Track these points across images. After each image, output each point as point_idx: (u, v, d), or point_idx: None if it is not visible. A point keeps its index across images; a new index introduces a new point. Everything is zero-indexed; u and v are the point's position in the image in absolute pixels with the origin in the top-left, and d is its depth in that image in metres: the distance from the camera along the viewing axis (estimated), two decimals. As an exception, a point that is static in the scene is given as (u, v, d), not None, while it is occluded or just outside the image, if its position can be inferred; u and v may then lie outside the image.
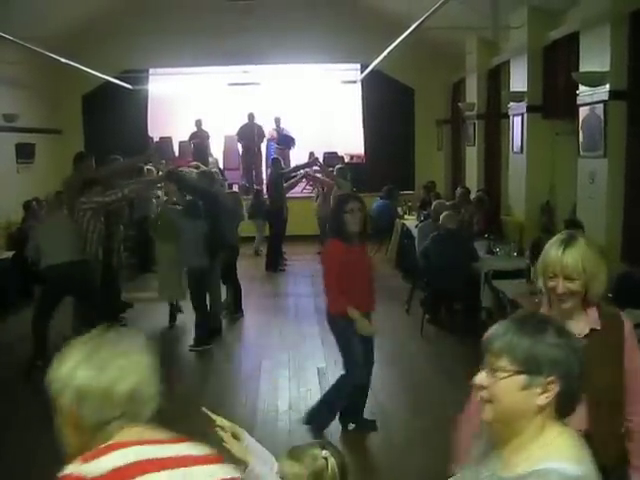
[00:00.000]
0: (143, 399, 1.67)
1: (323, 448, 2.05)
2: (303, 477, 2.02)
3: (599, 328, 2.60)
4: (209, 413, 2.23)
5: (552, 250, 2.60)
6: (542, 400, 1.66)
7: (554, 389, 1.66)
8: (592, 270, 2.56)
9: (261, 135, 16.34)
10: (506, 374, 1.67)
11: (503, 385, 1.68)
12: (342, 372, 5.30)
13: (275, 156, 13.96)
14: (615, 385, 2.59)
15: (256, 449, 2.19)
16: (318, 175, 12.90)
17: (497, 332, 1.72)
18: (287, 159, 16.02)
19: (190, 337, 7.77)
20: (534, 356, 1.67)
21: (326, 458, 2.02)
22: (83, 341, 1.70)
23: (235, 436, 2.18)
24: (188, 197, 8.22)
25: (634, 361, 2.63)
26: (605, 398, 2.55)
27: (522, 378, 1.66)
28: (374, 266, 5.51)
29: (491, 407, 1.69)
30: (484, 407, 1.71)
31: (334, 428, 5.35)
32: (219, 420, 2.20)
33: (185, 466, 1.66)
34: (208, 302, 8.12)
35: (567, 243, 2.58)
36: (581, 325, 2.59)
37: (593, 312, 2.64)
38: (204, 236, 7.57)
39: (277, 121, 16.62)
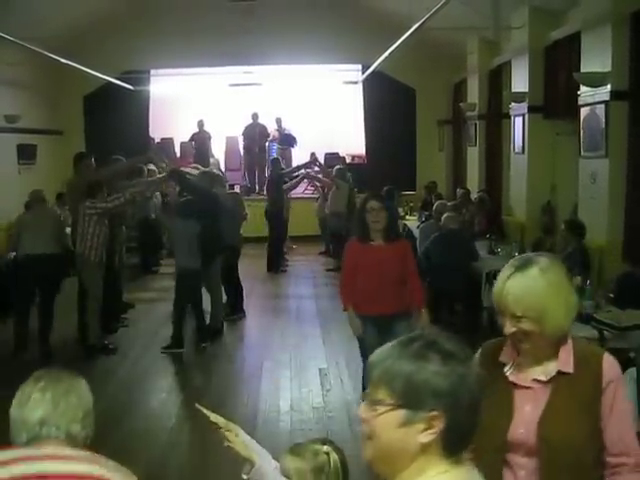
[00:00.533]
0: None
1: (324, 444, 2.05)
2: (305, 472, 2.03)
3: (570, 371, 2.11)
4: (203, 410, 2.24)
5: (498, 281, 2.15)
6: (425, 437, 1.41)
7: (439, 425, 1.42)
8: (543, 304, 2.06)
9: (263, 135, 16.35)
10: (384, 408, 1.44)
11: (381, 420, 1.45)
12: (344, 373, 5.35)
13: (275, 156, 13.97)
14: (579, 445, 2.04)
15: (254, 447, 2.21)
16: (318, 175, 12.93)
17: (377, 357, 1.50)
18: (289, 159, 16.04)
19: (190, 338, 7.78)
20: (414, 387, 1.43)
21: (328, 453, 2.02)
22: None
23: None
24: (185, 196, 8.22)
25: (615, 412, 2.08)
26: (564, 460, 2.04)
27: (401, 413, 1.42)
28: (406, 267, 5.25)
29: (370, 444, 1.47)
30: (363, 444, 1.50)
31: (337, 427, 5.36)
32: (213, 417, 2.21)
33: None
34: (209, 303, 8.16)
35: (513, 272, 2.12)
36: (550, 367, 2.13)
37: (566, 351, 2.16)
38: (196, 236, 7.52)
39: (278, 121, 16.63)
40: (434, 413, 1.41)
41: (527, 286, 2.07)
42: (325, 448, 2.02)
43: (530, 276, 2.09)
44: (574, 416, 2.07)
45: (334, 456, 2.02)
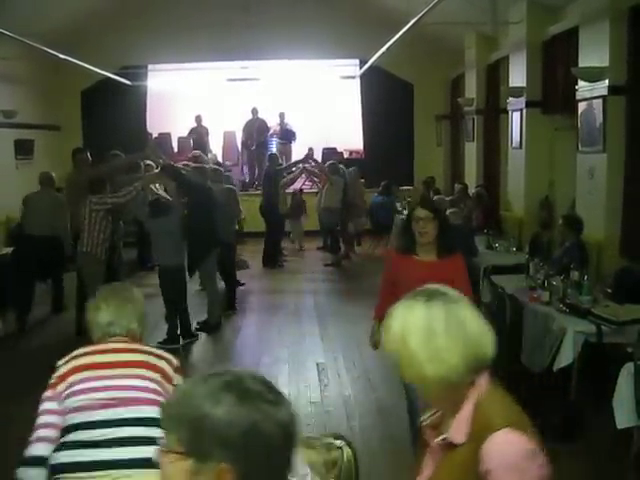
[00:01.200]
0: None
1: (337, 438, 2.05)
2: (319, 465, 2.03)
3: (459, 442, 1.78)
4: None
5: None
6: None
7: (228, 479, 1.27)
8: (397, 350, 1.81)
9: (262, 130, 16.32)
10: (172, 456, 1.30)
11: (172, 469, 1.30)
12: (342, 368, 5.30)
13: (272, 152, 13.95)
14: None
15: None
16: (315, 170, 12.97)
17: (172, 396, 1.34)
18: (289, 154, 16.03)
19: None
20: (200, 435, 1.27)
21: (341, 448, 2.02)
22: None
23: None
24: (167, 194, 8.22)
25: None
26: None
27: (189, 463, 1.28)
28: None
29: None
30: None
31: (335, 422, 5.36)
32: None
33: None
34: (208, 298, 8.17)
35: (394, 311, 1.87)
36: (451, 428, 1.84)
37: (463, 417, 1.80)
38: (175, 233, 7.48)
39: (281, 116, 16.58)
40: (222, 466, 1.26)
41: (410, 325, 1.81)
42: (339, 442, 2.02)
43: (407, 315, 1.83)
44: None
45: (347, 451, 2.01)
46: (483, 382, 1.83)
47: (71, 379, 2.66)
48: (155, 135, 16.17)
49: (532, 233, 8.68)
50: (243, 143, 16.59)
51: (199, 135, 16.03)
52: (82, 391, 2.63)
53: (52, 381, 2.71)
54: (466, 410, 1.80)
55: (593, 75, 7.44)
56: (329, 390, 6.21)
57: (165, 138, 16.27)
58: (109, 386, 2.64)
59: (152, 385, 2.67)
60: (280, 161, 13.08)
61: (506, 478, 1.69)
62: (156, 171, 9.29)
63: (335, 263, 12.11)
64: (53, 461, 2.54)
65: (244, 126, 16.32)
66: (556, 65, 9.10)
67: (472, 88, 12.26)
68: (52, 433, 2.62)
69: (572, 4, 8.49)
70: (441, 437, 1.83)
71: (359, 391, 6.21)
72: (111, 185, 7.92)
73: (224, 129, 17.09)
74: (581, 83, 7.77)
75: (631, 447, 4.34)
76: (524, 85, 9.70)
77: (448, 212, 8.28)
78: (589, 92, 7.64)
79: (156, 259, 7.92)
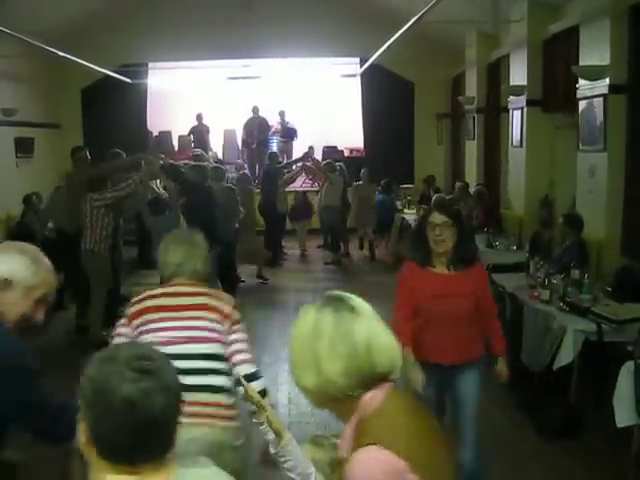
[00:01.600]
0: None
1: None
2: (324, 463, 2.02)
3: (345, 457, 1.78)
4: (245, 383, 2.37)
5: None
6: (82, 440, 1.49)
7: (85, 430, 1.48)
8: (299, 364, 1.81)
9: (263, 128, 16.32)
10: None
11: None
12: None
13: (273, 151, 13.94)
14: None
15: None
16: (314, 168, 12.97)
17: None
18: (290, 152, 16.03)
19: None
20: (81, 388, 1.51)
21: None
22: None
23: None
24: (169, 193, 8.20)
25: None
26: None
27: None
28: (481, 304, 3.91)
29: None
30: None
31: (334, 420, 5.35)
32: (250, 389, 2.32)
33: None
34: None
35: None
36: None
37: (350, 429, 1.84)
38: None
39: (282, 114, 16.59)
40: (81, 417, 1.48)
41: (299, 337, 1.82)
42: None
43: (299, 327, 1.83)
44: None
45: None
46: (370, 398, 1.77)
47: (145, 317, 3.08)
48: (155, 133, 16.18)
49: (532, 232, 8.67)
50: (244, 141, 16.61)
51: (200, 133, 16.03)
52: (153, 330, 3.04)
53: (127, 315, 3.14)
54: (351, 425, 1.78)
55: (594, 74, 7.43)
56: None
57: (165, 136, 16.27)
58: (176, 327, 3.04)
59: (211, 325, 3.08)
60: (280, 159, 13.05)
61: None
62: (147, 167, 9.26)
63: (335, 261, 12.11)
64: None
65: (244, 124, 16.34)
66: (557, 63, 9.09)
67: (473, 86, 12.25)
68: None
69: (573, 3, 8.48)
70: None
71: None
72: (112, 184, 7.92)
73: (224, 127, 17.08)
74: (582, 82, 7.76)
75: (631, 446, 4.33)
76: (525, 84, 9.69)
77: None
78: (590, 91, 7.63)
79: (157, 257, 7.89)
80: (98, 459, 1.47)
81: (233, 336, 3.14)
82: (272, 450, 2.17)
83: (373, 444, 1.66)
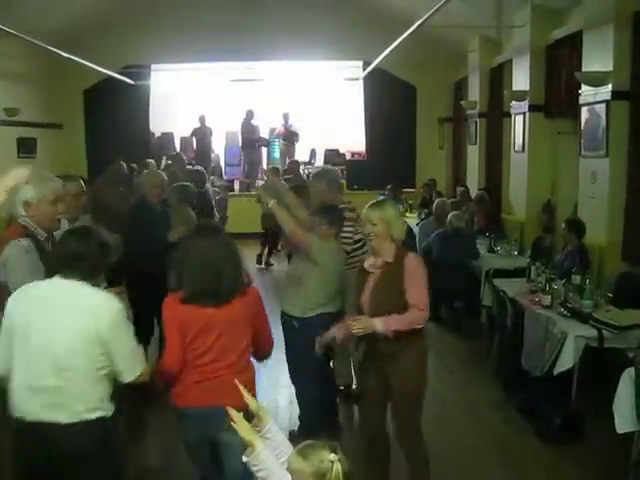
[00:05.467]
0: None
1: (333, 451, 2.03)
2: (307, 475, 2.02)
3: (391, 260, 3.92)
4: (240, 387, 2.52)
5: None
6: None
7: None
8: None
9: (258, 132, 16.44)
10: None
11: None
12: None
13: (275, 166, 13.82)
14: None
15: (276, 437, 2.43)
16: None
17: None
18: (292, 154, 16.04)
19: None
20: None
21: (333, 462, 2.01)
22: None
23: (260, 418, 2.43)
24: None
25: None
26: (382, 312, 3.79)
27: None
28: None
29: None
30: None
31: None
32: (246, 395, 2.48)
33: None
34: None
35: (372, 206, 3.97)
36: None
37: (392, 249, 3.97)
38: None
39: (285, 117, 16.59)
40: None
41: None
42: (332, 456, 2.01)
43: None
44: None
45: (337, 466, 2.00)
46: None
47: None
48: (157, 135, 16.19)
49: (534, 237, 8.68)
50: (245, 144, 16.60)
51: (202, 135, 16.03)
52: None
53: None
54: (391, 248, 3.86)
55: (596, 80, 7.44)
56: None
57: (167, 138, 16.28)
58: None
59: None
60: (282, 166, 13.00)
61: (417, 272, 3.84)
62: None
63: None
64: None
65: (242, 126, 16.34)
66: (559, 69, 9.10)
67: (475, 91, 12.26)
68: None
69: (576, 8, 8.49)
70: (382, 260, 3.87)
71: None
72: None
73: (226, 130, 17.10)
74: (584, 87, 7.77)
75: (631, 452, 4.33)
76: (527, 89, 9.70)
77: (451, 215, 8.29)
78: (592, 97, 7.64)
79: None
80: None
81: None
82: (244, 458, 2.27)
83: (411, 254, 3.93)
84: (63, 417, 2.87)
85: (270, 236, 11.60)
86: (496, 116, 11.54)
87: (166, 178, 6.73)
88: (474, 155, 12.52)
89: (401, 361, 3.87)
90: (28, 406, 2.90)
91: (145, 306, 4.92)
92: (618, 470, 4.46)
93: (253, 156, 16.35)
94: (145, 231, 5.96)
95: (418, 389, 4.05)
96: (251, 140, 16.21)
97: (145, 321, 5.46)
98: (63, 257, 2.99)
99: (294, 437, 5.20)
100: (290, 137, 16.38)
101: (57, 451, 2.89)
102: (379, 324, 3.68)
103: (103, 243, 3.10)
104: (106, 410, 2.98)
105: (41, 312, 2.90)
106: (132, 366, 3.02)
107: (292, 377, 5.31)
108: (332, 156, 15.85)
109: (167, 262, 3.39)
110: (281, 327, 5.11)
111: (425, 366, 4.06)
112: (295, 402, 5.93)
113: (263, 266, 12.09)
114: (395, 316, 3.72)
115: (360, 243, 5.47)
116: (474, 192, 11.24)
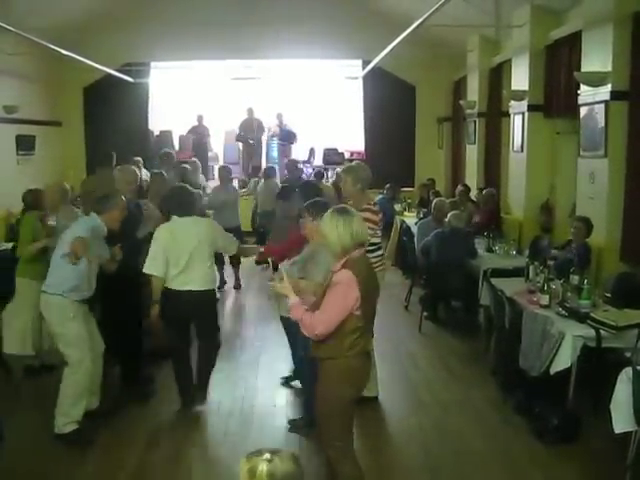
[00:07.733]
0: None
1: (274, 453, 2.11)
2: (244, 472, 2.11)
3: (336, 270, 3.75)
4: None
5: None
6: None
7: None
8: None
9: (260, 129, 16.37)
10: None
11: None
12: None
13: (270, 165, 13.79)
14: None
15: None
16: None
17: None
18: (289, 154, 16.04)
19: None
20: None
21: (266, 460, 2.09)
22: None
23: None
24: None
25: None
26: None
27: None
28: None
29: None
30: None
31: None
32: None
33: None
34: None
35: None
36: None
37: (342, 261, 3.76)
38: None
39: (279, 117, 16.60)
40: None
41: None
42: (266, 456, 2.09)
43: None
44: None
45: (263, 467, 2.07)
46: (356, 252, 3.65)
47: None
48: (156, 133, 16.19)
49: (533, 236, 8.68)
50: (244, 142, 16.57)
51: (199, 134, 16.04)
52: None
53: None
54: (340, 262, 3.63)
55: (595, 80, 7.45)
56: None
57: (166, 136, 16.28)
58: None
59: None
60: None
61: (335, 289, 3.57)
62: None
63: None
64: None
65: (240, 124, 16.32)
66: (559, 69, 9.12)
67: (474, 91, 12.27)
68: None
69: (575, 9, 8.51)
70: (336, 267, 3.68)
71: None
72: None
73: (225, 128, 17.11)
74: (583, 88, 7.78)
75: (628, 452, 4.34)
76: (526, 89, 9.71)
77: (450, 215, 8.29)
78: (591, 97, 7.65)
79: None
80: None
81: None
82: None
83: (347, 269, 3.57)
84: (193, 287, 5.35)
85: (261, 234, 11.55)
86: (495, 116, 11.55)
87: (139, 175, 6.75)
88: (473, 155, 12.53)
89: (321, 373, 3.71)
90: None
91: (120, 301, 5.67)
92: (615, 470, 4.47)
93: (252, 156, 16.31)
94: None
95: (330, 409, 3.66)
96: (247, 139, 16.22)
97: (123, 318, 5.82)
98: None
99: (297, 427, 5.25)
100: (286, 137, 16.38)
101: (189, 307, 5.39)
102: (292, 300, 3.66)
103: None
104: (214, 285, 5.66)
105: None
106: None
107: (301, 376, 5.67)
108: (331, 155, 15.86)
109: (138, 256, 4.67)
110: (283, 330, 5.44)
111: (345, 389, 3.64)
112: (293, 402, 5.96)
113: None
114: (308, 312, 3.58)
115: (375, 246, 5.45)
116: (473, 192, 11.24)
